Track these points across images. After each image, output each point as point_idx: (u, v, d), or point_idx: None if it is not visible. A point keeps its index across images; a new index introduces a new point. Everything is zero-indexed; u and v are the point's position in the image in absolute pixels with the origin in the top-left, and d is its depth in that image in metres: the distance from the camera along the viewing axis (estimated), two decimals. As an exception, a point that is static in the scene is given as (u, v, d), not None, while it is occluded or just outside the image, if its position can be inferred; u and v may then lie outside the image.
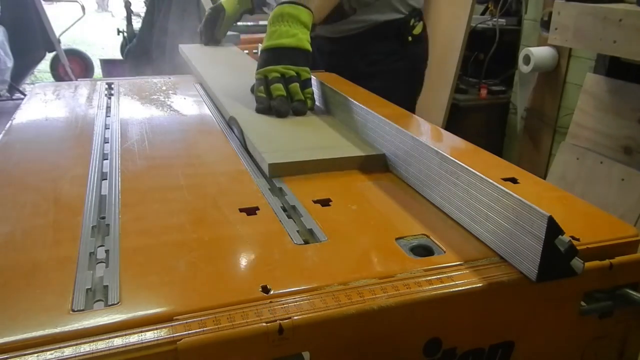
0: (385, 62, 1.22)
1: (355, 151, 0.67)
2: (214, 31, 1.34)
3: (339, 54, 1.26)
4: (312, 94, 0.84)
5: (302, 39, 0.84)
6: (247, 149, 0.71)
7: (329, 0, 0.98)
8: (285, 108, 0.80)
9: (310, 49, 0.85)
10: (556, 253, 0.40)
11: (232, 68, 1.13)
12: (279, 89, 0.81)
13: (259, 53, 0.87)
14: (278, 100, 0.80)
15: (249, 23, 2.68)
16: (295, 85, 0.82)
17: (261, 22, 3.05)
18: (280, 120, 0.79)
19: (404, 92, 1.23)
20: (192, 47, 1.35)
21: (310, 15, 0.87)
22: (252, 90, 0.89)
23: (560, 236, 0.40)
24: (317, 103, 0.88)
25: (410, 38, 1.20)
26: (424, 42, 1.26)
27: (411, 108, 1.23)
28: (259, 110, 0.81)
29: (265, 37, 0.86)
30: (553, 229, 0.40)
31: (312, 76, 0.87)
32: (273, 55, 0.84)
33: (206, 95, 0.99)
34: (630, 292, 0.47)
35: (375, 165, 0.66)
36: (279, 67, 0.83)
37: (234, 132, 0.78)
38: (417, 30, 1.21)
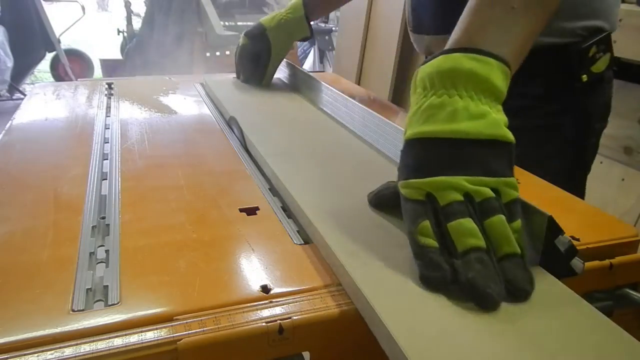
0: (536, 113, 0.74)
1: None
2: (258, 71, 0.96)
3: None
4: (522, 228, 0.40)
5: (497, 121, 0.42)
6: (247, 149, 0.71)
7: (532, 33, 0.49)
8: (496, 288, 0.36)
9: (514, 140, 0.42)
10: (556, 253, 0.40)
11: (296, 130, 0.74)
12: (471, 232, 0.38)
13: (403, 144, 0.44)
14: (476, 263, 0.37)
15: (249, 23, 2.66)
16: (501, 221, 0.39)
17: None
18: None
19: (563, 169, 0.75)
20: (222, 85, 0.96)
21: (508, 73, 0.44)
22: (372, 202, 0.50)
23: (560, 236, 0.40)
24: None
25: (585, 77, 0.71)
26: (607, 85, 0.77)
27: (578, 194, 0.61)
28: (429, 281, 0.38)
29: (412, 113, 0.44)
30: (553, 229, 0.40)
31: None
32: (444, 154, 0.41)
33: (207, 96, 0.99)
34: (630, 292, 0.48)
35: None
36: (461, 181, 0.40)
37: (233, 131, 0.78)
38: (600, 66, 0.72)
